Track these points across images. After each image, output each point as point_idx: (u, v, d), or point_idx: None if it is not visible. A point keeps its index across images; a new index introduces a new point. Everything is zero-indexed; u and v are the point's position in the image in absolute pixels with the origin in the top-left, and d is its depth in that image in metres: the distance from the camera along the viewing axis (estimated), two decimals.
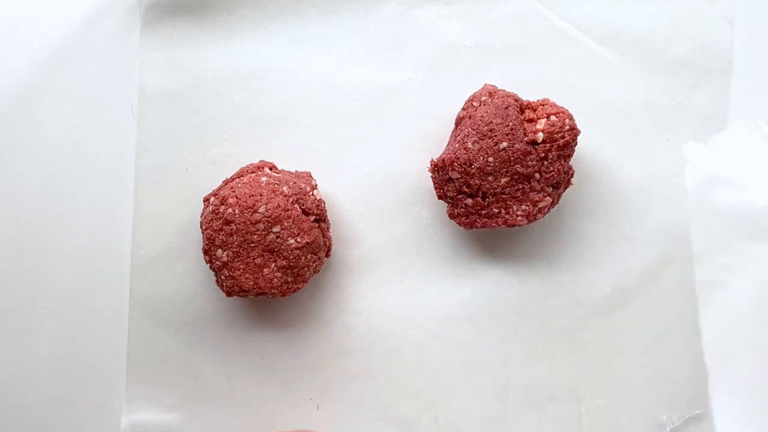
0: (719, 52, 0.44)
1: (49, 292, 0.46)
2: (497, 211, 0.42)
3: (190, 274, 0.45)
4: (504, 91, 0.42)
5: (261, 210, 0.41)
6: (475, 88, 0.43)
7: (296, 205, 0.41)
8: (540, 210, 0.42)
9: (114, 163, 0.46)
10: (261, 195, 0.41)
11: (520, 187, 0.41)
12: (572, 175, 0.43)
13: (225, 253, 0.41)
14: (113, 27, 0.46)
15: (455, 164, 0.41)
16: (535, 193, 0.41)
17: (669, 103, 0.44)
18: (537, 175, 0.41)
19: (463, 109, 0.43)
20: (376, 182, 0.45)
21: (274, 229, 0.41)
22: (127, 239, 0.45)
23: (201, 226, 0.43)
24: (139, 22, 0.45)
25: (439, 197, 0.43)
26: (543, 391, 0.44)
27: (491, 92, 0.42)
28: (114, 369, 0.45)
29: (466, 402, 0.45)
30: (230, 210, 0.41)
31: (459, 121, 0.43)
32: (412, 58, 0.45)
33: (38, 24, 0.46)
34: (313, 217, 0.42)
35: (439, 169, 0.42)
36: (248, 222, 0.41)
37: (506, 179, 0.41)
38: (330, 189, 0.45)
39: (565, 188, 0.43)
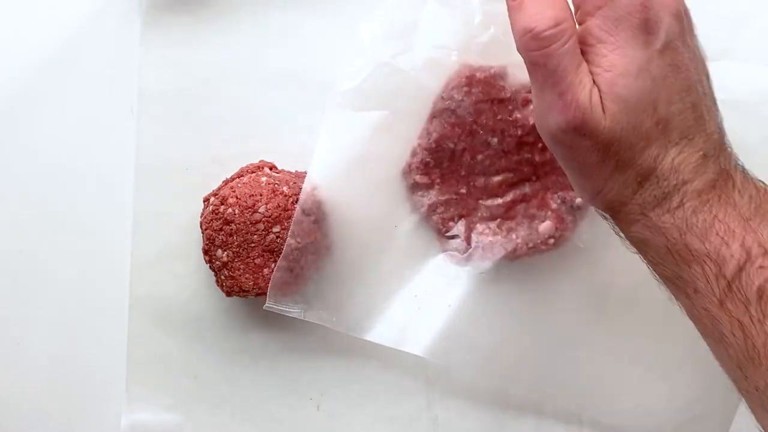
0: None
1: (49, 292, 0.46)
2: None
3: (190, 274, 0.45)
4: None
5: (261, 210, 0.41)
6: None
7: (296, 205, 0.41)
8: None
9: (114, 163, 0.46)
10: (261, 195, 0.41)
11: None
12: None
13: (225, 253, 0.41)
14: (113, 27, 0.46)
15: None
16: None
17: None
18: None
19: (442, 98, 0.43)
20: (376, 182, 0.45)
21: (274, 229, 0.41)
22: (127, 239, 0.45)
23: (201, 226, 0.43)
24: (139, 22, 0.45)
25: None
26: (543, 392, 0.44)
27: (469, 78, 0.42)
28: (114, 369, 0.45)
29: (466, 402, 0.45)
30: (230, 210, 0.41)
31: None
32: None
33: (38, 24, 0.46)
34: (312, 217, 0.42)
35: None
36: (248, 222, 0.41)
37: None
38: (332, 189, 0.45)
39: None
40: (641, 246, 0.35)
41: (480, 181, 0.42)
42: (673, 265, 0.33)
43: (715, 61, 0.44)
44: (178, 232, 0.45)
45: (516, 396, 0.44)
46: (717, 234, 0.32)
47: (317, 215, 0.42)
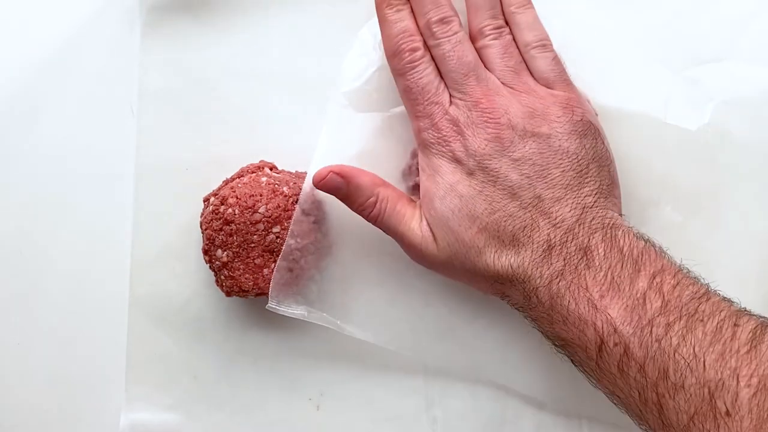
0: None
1: (48, 292, 0.46)
2: None
3: (189, 274, 0.45)
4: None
5: (261, 210, 0.41)
6: None
7: (296, 206, 0.41)
8: None
9: (114, 163, 0.46)
10: (261, 195, 0.41)
11: None
12: None
13: (225, 253, 0.41)
14: (113, 27, 0.46)
15: None
16: None
17: None
18: None
19: None
20: None
21: (274, 230, 0.41)
22: (127, 239, 0.45)
23: (201, 226, 0.43)
24: (139, 23, 0.45)
25: None
26: (543, 392, 0.44)
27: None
28: (113, 368, 0.45)
29: (466, 402, 0.44)
30: (230, 210, 0.41)
31: None
32: None
33: (39, 24, 0.46)
34: (312, 217, 0.42)
35: None
36: (248, 222, 0.41)
37: None
38: None
39: None
40: (540, 332, 0.38)
41: None
42: (561, 349, 0.37)
43: (718, 61, 0.44)
44: (178, 232, 0.45)
45: (516, 395, 0.44)
46: (573, 324, 0.35)
47: (317, 215, 0.42)
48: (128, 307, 0.45)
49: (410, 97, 0.39)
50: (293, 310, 0.42)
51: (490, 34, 0.40)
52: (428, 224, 0.39)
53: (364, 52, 0.43)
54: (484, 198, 0.37)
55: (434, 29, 0.39)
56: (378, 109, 0.43)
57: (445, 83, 0.39)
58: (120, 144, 0.46)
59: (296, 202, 0.42)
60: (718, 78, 0.44)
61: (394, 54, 0.39)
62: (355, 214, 0.40)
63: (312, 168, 0.42)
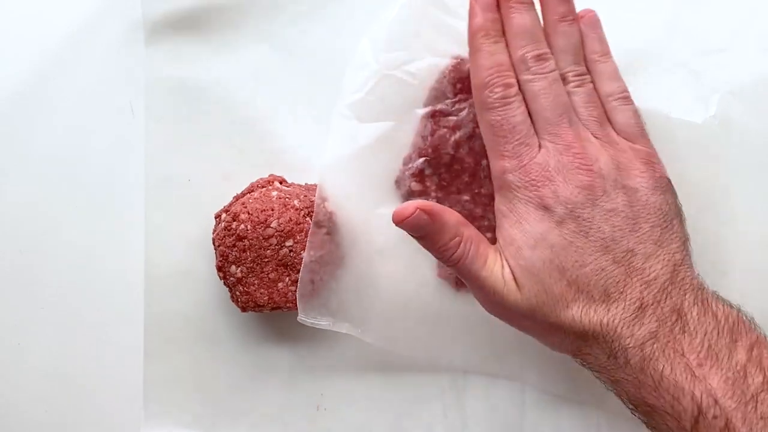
0: None
1: (63, 311, 0.46)
2: None
3: (204, 290, 0.45)
4: None
5: (273, 225, 0.41)
6: None
7: (308, 218, 0.41)
8: None
9: (125, 183, 0.46)
10: (272, 209, 0.41)
11: None
12: None
13: (239, 269, 0.41)
14: (116, 36, 0.46)
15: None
16: None
17: None
18: None
19: None
20: (383, 192, 0.44)
21: (287, 243, 0.41)
22: (140, 258, 0.45)
23: (213, 243, 0.42)
24: (143, 37, 0.45)
25: None
26: (559, 393, 0.44)
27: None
28: (131, 387, 0.45)
29: (483, 407, 0.45)
30: (242, 226, 0.41)
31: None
32: None
33: (41, 29, 0.46)
34: (325, 229, 0.42)
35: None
36: (261, 237, 0.41)
37: None
38: (341, 200, 0.44)
39: None
40: (617, 395, 0.36)
41: (487, 188, 0.42)
42: (642, 415, 0.35)
43: (722, 52, 0.44)
44: (190, 249, 0.45)
45: (533, 396, 0.44)
46: (666, 390, 0.33)
47: (329, 227, 0.42)
48: (144, 325, 0.45)
49: (498, 134, 0.37)
50: (320, 321, 0.42)
51: (573, 81, 0.38)
52: (512, 272, 0.36)
53: (365, 62, 0.43)
54: (575, 250, 0.35)
55: (531, 64, 0.37)
56: (381, 119, 0.43)
57: (534, 124, 0.37)
58: (130, 163, 0.46)
59: (308, 214, 0.42)
60: (722, 69, 0.44)
61: (484, 86, 0.37)
62: (364, 224, 0.40)
63: (320, 180, 0.42)
